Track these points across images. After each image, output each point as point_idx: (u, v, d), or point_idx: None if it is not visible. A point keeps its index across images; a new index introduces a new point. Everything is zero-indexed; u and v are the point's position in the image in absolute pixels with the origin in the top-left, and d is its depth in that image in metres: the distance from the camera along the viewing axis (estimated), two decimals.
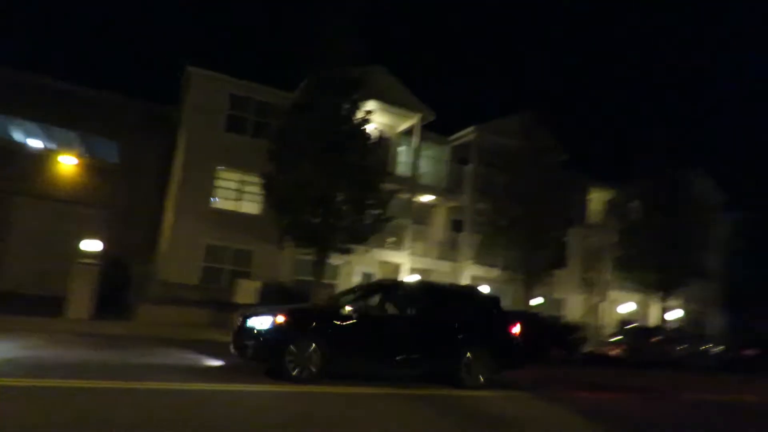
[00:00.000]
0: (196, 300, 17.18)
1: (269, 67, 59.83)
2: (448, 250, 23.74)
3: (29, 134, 24.51)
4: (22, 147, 23.60)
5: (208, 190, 20.14)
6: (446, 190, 23.91)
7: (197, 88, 20.10)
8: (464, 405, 8.25)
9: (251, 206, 20.57)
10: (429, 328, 9.45)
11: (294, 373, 8.04)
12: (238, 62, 62.23)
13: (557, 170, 21.50)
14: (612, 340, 21.24)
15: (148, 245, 22.34)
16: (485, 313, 10.27)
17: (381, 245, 21.11)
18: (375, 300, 9.80)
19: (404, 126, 23.04)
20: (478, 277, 23.48)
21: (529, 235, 20.31)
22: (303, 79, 17.91)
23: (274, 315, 8.35)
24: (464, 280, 22.80)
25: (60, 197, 21.82)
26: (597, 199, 28.23)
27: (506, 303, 24.07)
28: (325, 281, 19.35)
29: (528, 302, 21.09)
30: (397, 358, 9.04)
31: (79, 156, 22.68)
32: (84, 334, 12.21)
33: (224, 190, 20.65)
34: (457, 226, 24.64)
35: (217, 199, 20.44)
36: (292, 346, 8.10)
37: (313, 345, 8.20)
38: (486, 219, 21.77)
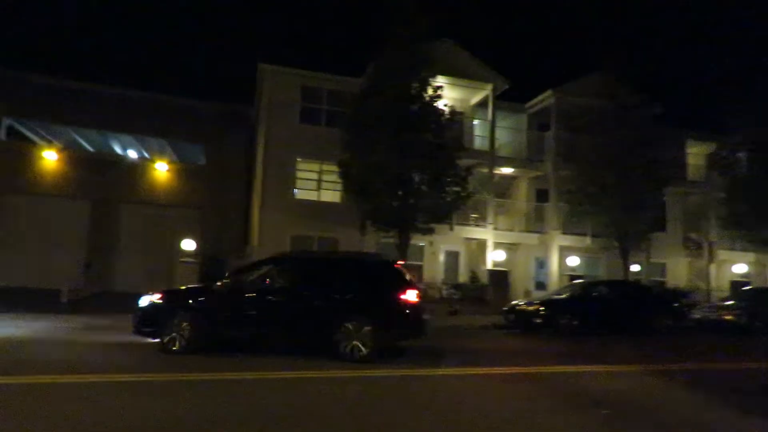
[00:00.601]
0: None
1: (337, 55, 60.39)
2: (534, 222, 22.92)
3: (126, 146, 26.48)
4: (122, 158, 25.52)
5: (290, 182, 20.73)
6: (527, 159, 23.01)
7: (270, 84, 20.65)
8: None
9: (331, 194, 20.94)
10: (302, 298, 9.17)
11: (166, 343, 8.86)
12: (307, 54, 63.32)
13: (649, 126, 19.87)
14: (725, 304, 19.55)
15: (240, 241, 23.43)
16: (373, 281, 9.41)
17: (464, 222, 20.77)
18: (262, 272, 9.68)
19: (477, 98, 22.36)
20: (567, 247, 22.52)
21: (622, 199, 19.02)
22: (370, 64, 17.81)
23: (153, 295, 9.48)
24: (553, 252, 21.96)
25: (157, 201, 23.36)
26: (697, 153, 26.01)
27: (600, 272, 23.22)
28: (411, 263, 19.36)
29: (626, 270, 19.86)
30: (264, 328, 9.05)
31: (170, 162, 24.15)
32: None
33: (304, 180, 21.16)
34: (541, 196, 23.69)
35: (297, 191, 20.97)
36: (164, 320, 8.95)
37: (183, 318, 8.91)
38: (572, 186, 20.66)
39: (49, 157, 22.37)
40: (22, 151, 22.53)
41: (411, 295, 9.20)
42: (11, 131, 23.04)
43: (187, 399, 6.18)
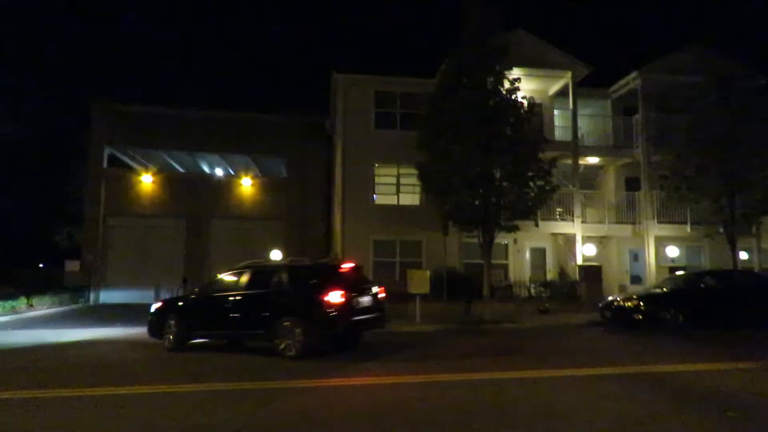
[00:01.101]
0: None
1: (407, 58, 60.51)
2: (625, 212, 21.59)
3: (213, 164, 27.95)
4: (210, 177, 26.96)
5: (368, 187, 20.89)
6: (614, 147, 21.74)
7: (344, 92, 20.98)
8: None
9: (411, 197, 20.90)
10: (248, 302, 10.34)
11: (165, 342, 11.19)
12: (378, 58, 63.94)
13: (753, 97, 17.98)
14: None
15: (323, 249, 23.94)
16: (300, 285, 10.03)
17: (549, 217, 19.97)
18: (230, 280, 11.06)
19: (556, 87, 21.47)
20: (664, 237, 21.03)
21: (726, 180, 17.38)
22: (443, 62, 17.57)
23: (157, 303, 12.33)
24: (648, 243, 20.58)
25: (244, 215, 24.44)
26: None
27: (703, 262, 21.47)
28: (495, 262, 18.88)
29: (735, 258, 18.17)
30: (222, 329, 10.88)
31: (253, 177, 25.18)
32: None
33: (383, 185, 21.25)
34: (631, 184, 22.29)
35: (376, 196, 21.09)
36: (162, 322, 11.36)
37: (172, 321, 11.16)
38: (667, 171, 19.15)
39: (146, 180, 24.04)
40: (122, 177, 24.39)
41: (333, 297, 9.48)
42: (111, 159, 24.97)
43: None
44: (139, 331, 13.20)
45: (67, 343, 12.26)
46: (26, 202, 34.39)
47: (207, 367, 9.18)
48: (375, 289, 10.68)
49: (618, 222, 21.34)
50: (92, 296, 22.64)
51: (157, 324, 11.60)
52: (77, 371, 8.84)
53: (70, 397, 6.93)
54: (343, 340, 10.46)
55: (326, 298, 9.46)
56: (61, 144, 34.80)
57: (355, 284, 10.17)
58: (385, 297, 11.06)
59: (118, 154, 25.62)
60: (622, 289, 21.05)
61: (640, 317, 13.71)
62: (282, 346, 9.58)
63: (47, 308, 19.73)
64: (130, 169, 26.11)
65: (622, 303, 14.44)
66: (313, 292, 9.64)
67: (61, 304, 20.67)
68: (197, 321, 11.05)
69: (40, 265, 34.42)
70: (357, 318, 9.92)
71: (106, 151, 24.22)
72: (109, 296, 22.77)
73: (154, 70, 64.55)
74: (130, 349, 11.41)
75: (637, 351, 10.40)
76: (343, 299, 9.51)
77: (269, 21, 79.97)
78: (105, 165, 24.14)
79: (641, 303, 13.92)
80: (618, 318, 14.28)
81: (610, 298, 15.71)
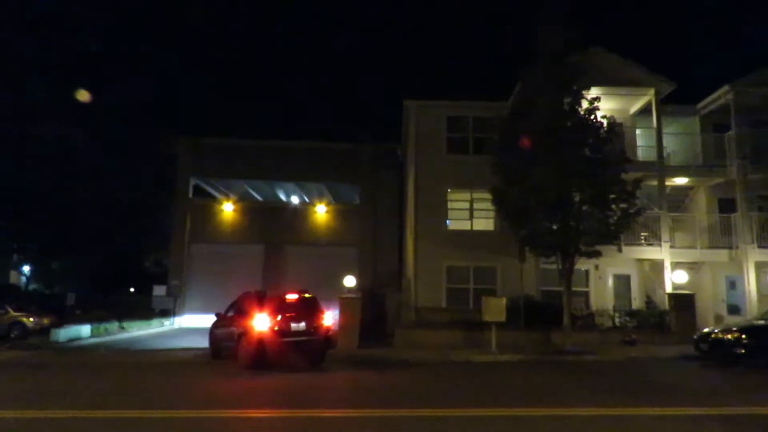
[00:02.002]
0: (446, 322, 17.55)
1: (477, 82, 60.30)
2: (720, 236, 19.96)
3: (289, 193, 28.86)
4: (286, 205, 27.83)
5: (441, 213, 20.66)
6: (703, 166, 20.28)
7: (416, 119, 21.04)
8: None
9: (485, 223, 20.44)
10: (232, 324, 13.26)
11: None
12: (448, 83, 64.12)
13: None
14: None
15: (395, 274, 23.88)
16: (248, 310, 12.67)
17: (634, 242, 18.84)
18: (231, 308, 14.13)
19: (638, 105, 20.46)
20: (766, 263, 19.21)
21: None
22: (516, 84, 17.26)
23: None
24: (748, 269, 18.86)
25: (318, 241, 24.93)
26: None
27: None
28: (575, 289, 17.97)
29: None
30: (227, 344, 13.28)
31: (327, 204, 25.73)
32: (365, 361, 13.46)
33: (456, 211, 20.94)
34: (725, 206, 20.63)
35: (449, 222, 20.82)
36: (212, 339, 14.38)
37: (213, 338, 14.38)
38: (767, 190, 17.60)
39: (227, 209, 25.15)
40: (205, 206, 25.68)
41: (258, 322, 11.71)
42: (195, 188, 26.39)
43: None
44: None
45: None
46: (118, 229, 36.86)
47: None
48: (325, 318, 12.69)
49: (711, 247, 19.76)
50: (176, 320, 23.72)
51: (210, 341, 14.59)
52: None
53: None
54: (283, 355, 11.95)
55: (252, 323, 11.85)
56: (149, 174, 37.17)
57: (290, 311, 12.13)
58: (334, 325, 14.08)
59: (202, 184, 27.04)
60: (718, 319, 19.38)
61: (743, 351, 12.58)
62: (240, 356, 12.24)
63: (137, 331, 20.91)
64: (213, 198, 27.47)
65: (720, 335, 13.28)
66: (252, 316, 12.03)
67: (149, 327, 21.85)
68: (220, 338, 13.94)
69: (131, 290, 36.64)
70: (287, 339, 11.76)
71: (192, 182, 25.62)
72: (191, 320, 23.77)
73: (232, 101, 68.22)
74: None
75: (742, 389, 9.46)
76: (265, 327, 11.69)
77: (340, 47, 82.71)
78: (191, 195, 25.51)
79: (743, 336, 12.75)
80: (716, 352, 13.15)
81: (707, 329, 14.50)
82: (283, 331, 11.70)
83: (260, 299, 12.33)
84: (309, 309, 12.47)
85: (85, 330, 18.81)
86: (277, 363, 11.64)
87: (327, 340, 12.61)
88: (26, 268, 37.90)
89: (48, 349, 16.00)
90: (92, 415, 7.31)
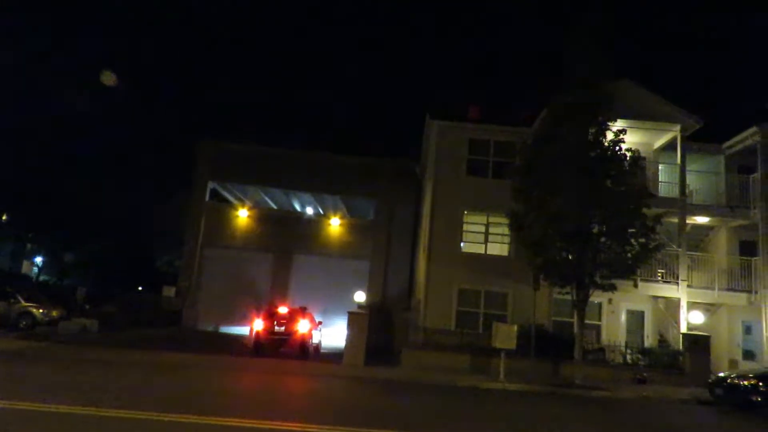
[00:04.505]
0: (454, 345, 17.31)
1: (501, 106, 60.40)
2: (739, 279, 19.55)
3: (305, 203, 28.89)
4: (300, 215, 27.87)
5: (456, 235, 20.47)
6: (726, 207, 19.94)
7: (438, 139, 20.95)
8: None
9: (500, 247, 20.22)
10: None
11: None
12: (471, 105, 64.16)
13: None
14: None
15: (406, 293, 23.68)
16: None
17: (650, 278, 18.51)
18: None
19: (663, 140, 20.24)
20: None
21: None
22: (540, 111, 17.18)
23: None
24: (767, 315, 18.43)
25: (330, 253, 24.85)
26: None
27: None
28: (588, 321, 17.65)
29: None
30: None
31: (342, 217, 25.69)
32: (369, 379, 13.26)
33: (471, 233, 20.75)
34: (747, 248, 20.22)
35: (463, 244, 20.62)
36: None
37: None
38: None
39: (242, 215, 25.23)
40: (220, 210, 25.78)
41: (257, 325, 17.01)
42: (213, 193, 26.51)
43: None
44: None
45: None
46: (132, 228, 37.13)
47: None
48: (300, 325, 16.94)
49: (730, 289, 19.36)
50: (184, 321, 23.69)
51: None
52: None
53: None
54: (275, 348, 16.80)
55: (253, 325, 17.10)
56: (167, 175, 37.57)
57: (277, 319, 16.95)
58: (308, 329, 17.36)
59: (219, 188, 27.15)
60: (733, 364, 18.91)
61: (759, 399, 12.21)
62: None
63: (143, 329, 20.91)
64: (228, 203, 27.56)
65: (737, 381, 12.93)
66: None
67: (157, 326, 21.84)
68: None
69: (139, 288, 36.76)
70: (273, 336, 16.75)
71: (209, 186, 25.74)
72: (198, 322, 23.72)
73: (252, 109, 68.98)
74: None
75: None
76: (261, 325, 16.79)
77: (364, 62, 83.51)
78: (207, 198, 25.61)
79: (760, 383, 12.38)
80: (731, 397, 12.82)
81: (722, 374, 14.15)
82: (269, 331, 16.80)
83: (260, 311, 17.89)
84: (291, 319, 17.09)
85: (93, 324, 18.85)
86: (269, 353, 16.25)
87: (303, 340, 16.93)
88: (38, 259, 38.25)
89: (55, 342, 15.99)
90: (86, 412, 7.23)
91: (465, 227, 20.65)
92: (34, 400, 7.63)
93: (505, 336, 15.03)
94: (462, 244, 20.56)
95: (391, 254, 24.68)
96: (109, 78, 32.77)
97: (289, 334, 16.87)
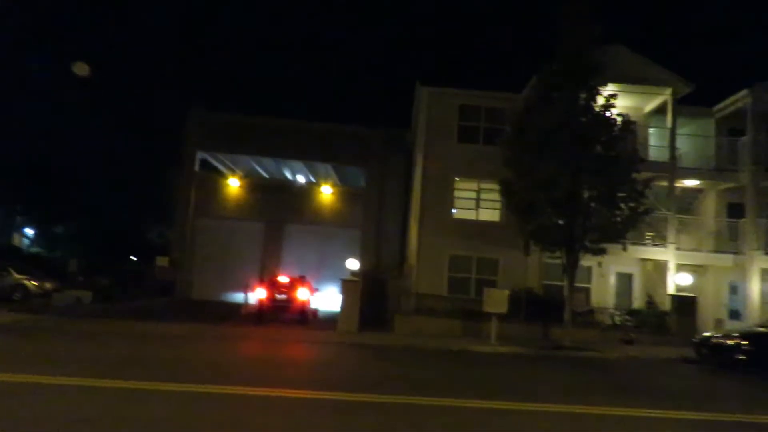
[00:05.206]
0: (446, 310, 17.59)
1: (492, 71, 59.70)
2: (726, 241, 19.85)
3: (296, 172, 28.70)
4: (291, 183, 27.73)
5: (448, 201, 20.54)
6: (715, 170, 20.10)
7: (428, 105, 20.77)
8: None
9: (491, 214, 20.32)
10: None
11: None
12: (462, 71, 63.53)
13: None
14: None
15: (397, 260, 23.85)
16: None
17: (639, 241, 18.74)
18: None
19: (653, 104, 20.21)
20: None
21: None
22: (531, 77, 17.02)
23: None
24: (752, 276, 18.82)
25: (322, 222, 24.87)
26: None
27: None
28: (577, 284, 17.94)
29: None
30: None
31: (333, 185, 25.61)
32: (364, 345, 13.42)
33: (463, 200, 20.82)
34: (734, 210, 20.48)
35: (455, 211, 20.71)
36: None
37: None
38: None
39: (233, 184, 25.07)
40: (212, 180, 25.58)
41: (259, 293, 18.03)
42: (202, 163, 26.24)
43: None
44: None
45: None
46: (122, 199, 36.91)
47: None
48: (300, 292, 17.80)
49: (717, 251, 19.69)
50: (178, 291, 23.78)
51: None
52: None
53: None
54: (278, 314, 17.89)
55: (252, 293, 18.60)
56: (156, 146, 37.17)
57: (279, 287, 17.85)
58: (308, 296, 18.18)
59: (209, 158, 26.87)
60: (718, 324, 19.35)
61: (743, 357, 12.51)
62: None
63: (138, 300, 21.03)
64: (219, 173, 27.33)
65: (721, 340, 13.26)
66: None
67: (151, 297, 21.96)
68: None
69: (133, 258, 36.73)
70: (275, 304, 17.66)
71: (199, 156, 25.46)
72: (192, 292, 23.85)
73: (244, 78, 67.81)
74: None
75: (745, 397, 9.45)
76: (264, 293, 17.67)
77: (355, 30, 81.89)
78: (197, 168, 25.37)
79: (744, 342, 12.71)
80: (716, 356, 13.15)
81: (707, 333, 14.48)
82: (271, 299, 17.61)
83: (262, 280, 19.19)
84: (292, 287, 17.90)
85: (87, 296, 18.93)
86: (271, 319, 17.23)
87: (303, 307, 17.78)
88: (29, 231, 37.99)
89: (51, 314, 16.06)
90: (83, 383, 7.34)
91: (456, 194, 20.70)
92: (35, 373, 7.70)
93: (497, 300, 15.29)
94: (453, 211, 20.66)
95: (382, 222, 24.74)
96: (82, 69, 31.51)
97: (290, 301, 17.80)
